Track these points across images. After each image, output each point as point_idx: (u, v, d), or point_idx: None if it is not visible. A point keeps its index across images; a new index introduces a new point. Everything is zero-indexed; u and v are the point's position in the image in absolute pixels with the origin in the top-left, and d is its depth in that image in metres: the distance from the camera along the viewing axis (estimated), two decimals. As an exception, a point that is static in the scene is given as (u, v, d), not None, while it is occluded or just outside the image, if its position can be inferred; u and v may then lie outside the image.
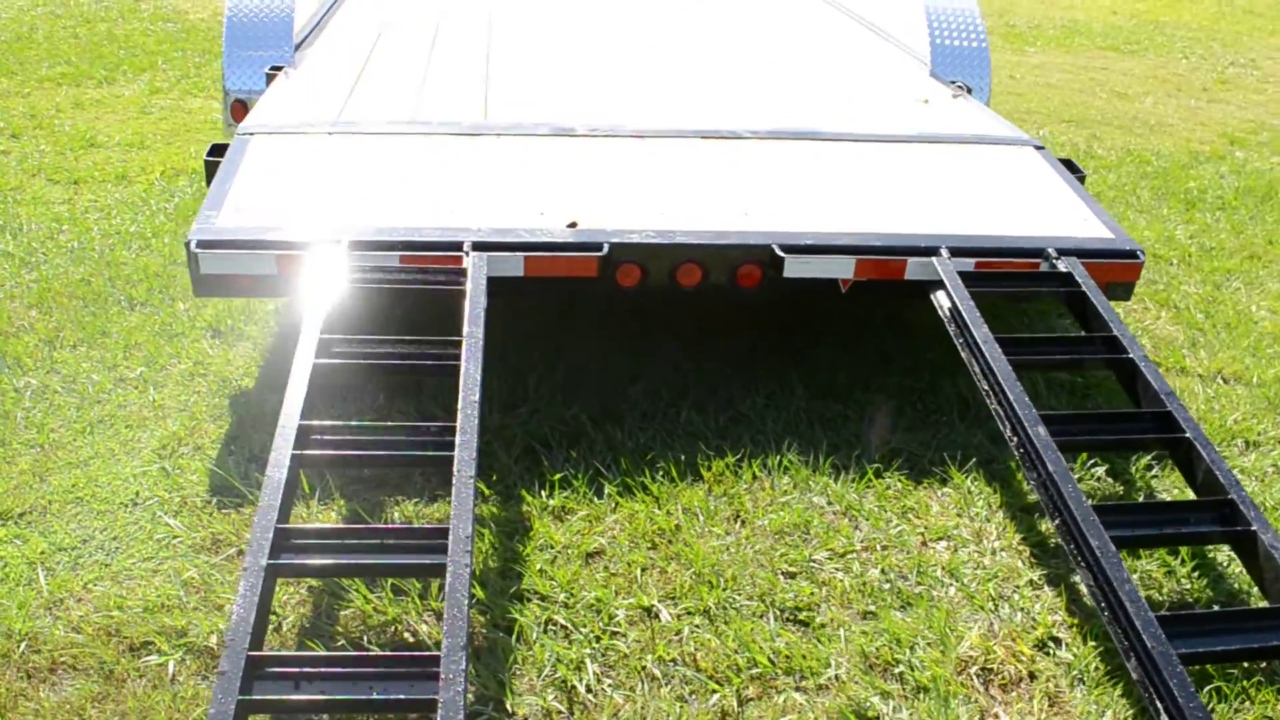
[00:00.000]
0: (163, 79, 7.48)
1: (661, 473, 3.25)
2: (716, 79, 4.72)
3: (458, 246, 3.24)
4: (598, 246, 3.27)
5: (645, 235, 3.32)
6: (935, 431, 3.55)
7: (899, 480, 3.29)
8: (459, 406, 2.76)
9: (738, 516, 3.12)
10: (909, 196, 3.69)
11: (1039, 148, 4.15)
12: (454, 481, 2.55)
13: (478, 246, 3.23)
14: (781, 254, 3.30)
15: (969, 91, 4.80)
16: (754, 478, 3.26)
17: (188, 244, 3.14)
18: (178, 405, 3.54)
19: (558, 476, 3.18)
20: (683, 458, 3.33)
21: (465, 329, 2.96)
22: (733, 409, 3.60)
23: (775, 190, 3.66)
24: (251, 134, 3.82)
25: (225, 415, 3.49)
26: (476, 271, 3.14)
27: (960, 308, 3.23)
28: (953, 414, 3.64)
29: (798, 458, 3.35)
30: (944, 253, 3.38)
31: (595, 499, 3.13)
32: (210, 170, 3.70)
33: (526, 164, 3.72)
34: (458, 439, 2.64)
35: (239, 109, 4.98)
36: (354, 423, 2.85)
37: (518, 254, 3.24)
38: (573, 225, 3.36)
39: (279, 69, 4.71)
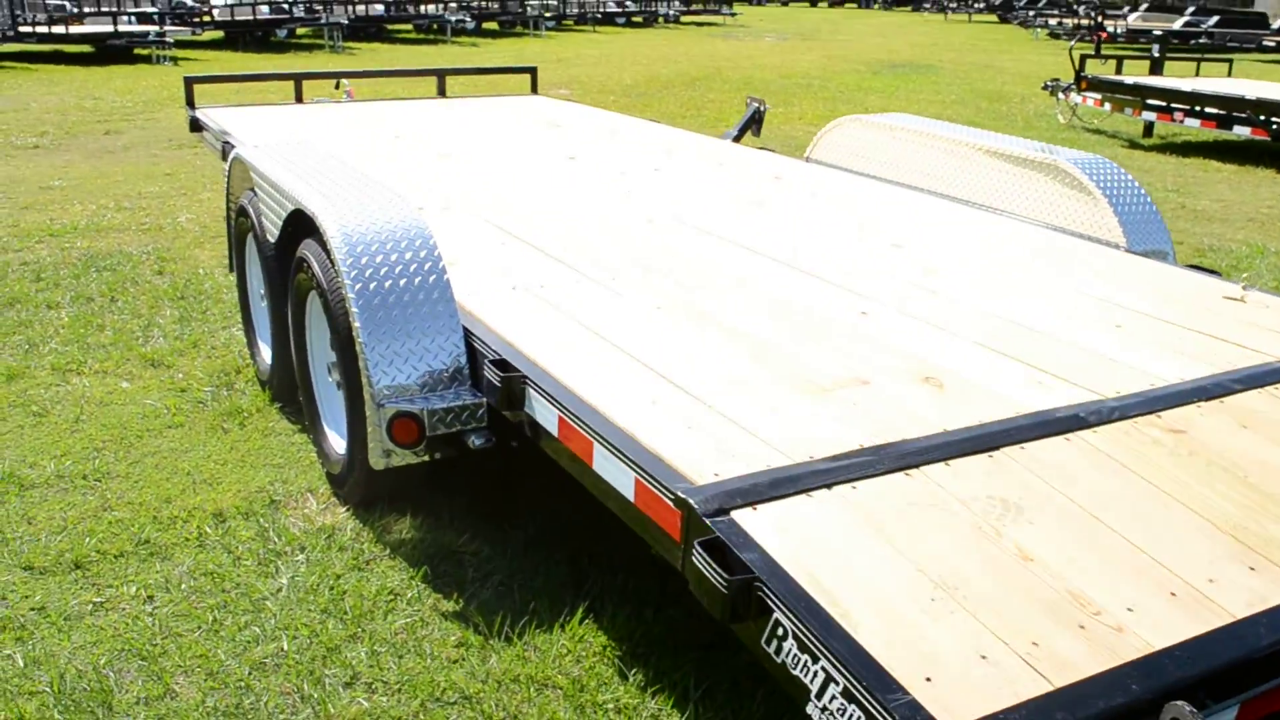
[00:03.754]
0: (4, 349, 5.09)
1: None
2: (1017, 312, 3.84)
3: (1155, 705, 1.98)
4: None
5: None
6: None
7: None
8: None
9: None
10: None
11: None
12: None
13: (1206, 695, 2.03)
14: None
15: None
16: None
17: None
18: None
19: None
20: None
21: None
22: None
23: None
24: (734, 515, 2.36)
25: None
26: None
27: None
28: None
29: None
30: None
31: None
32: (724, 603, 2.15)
33: (1014, 491, 2.60)
34: None
35: (408, 428, 3.31)
36: None
37: (1231, 707, 2.06)
38: None
39: (516, 372, 3.15)
